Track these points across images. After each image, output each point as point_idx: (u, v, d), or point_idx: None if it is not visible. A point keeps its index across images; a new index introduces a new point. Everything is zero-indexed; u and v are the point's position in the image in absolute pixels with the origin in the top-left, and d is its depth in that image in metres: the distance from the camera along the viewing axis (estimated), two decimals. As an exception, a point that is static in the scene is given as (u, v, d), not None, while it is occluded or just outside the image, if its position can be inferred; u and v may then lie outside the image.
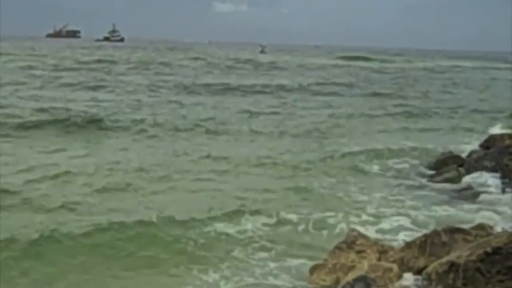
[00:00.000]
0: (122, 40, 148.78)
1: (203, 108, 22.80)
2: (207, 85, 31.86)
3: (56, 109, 20.09)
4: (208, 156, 13.39)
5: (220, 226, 8.39)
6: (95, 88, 29.07)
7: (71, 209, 9.22)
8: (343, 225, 8.76)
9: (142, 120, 18.38)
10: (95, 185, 10.56)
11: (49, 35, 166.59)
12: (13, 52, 58.35)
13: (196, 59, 62.02)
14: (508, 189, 10.89)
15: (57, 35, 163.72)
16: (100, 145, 15.07)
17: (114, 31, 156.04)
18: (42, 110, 19.67)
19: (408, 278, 6.50)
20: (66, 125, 17.00)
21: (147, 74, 39.61)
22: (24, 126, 16.59)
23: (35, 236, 7.62)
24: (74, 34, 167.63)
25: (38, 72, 36.75)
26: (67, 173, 11.31)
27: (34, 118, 17.87)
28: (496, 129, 18.73)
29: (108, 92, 27.79)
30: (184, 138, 16.24)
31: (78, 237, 7.73)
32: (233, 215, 8.98)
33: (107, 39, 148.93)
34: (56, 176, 11.03)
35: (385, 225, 8.96)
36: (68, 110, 19.85)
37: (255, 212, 9.16)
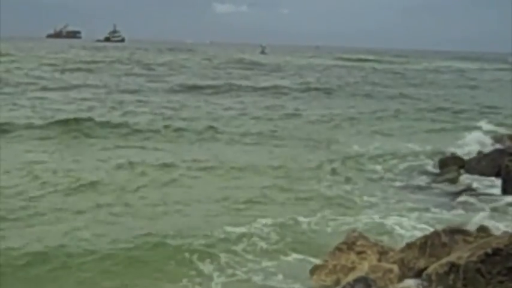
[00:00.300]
0: (122, 41, 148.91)
1: (206, 110, 22.61)
2: (210, 86, 31.84)
3: (57, 111, 20.04)
4: (211, 159, 13.22)
5: (224, 228, 8.34)
6: (98, 89, 28.97)
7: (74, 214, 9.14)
8: (343, 226, 8.75)
9: (145, 123, 18.12)
10: (96, 189, 10.49)
11: (49, 36, 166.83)
12: (13, 53, 58.35)
13: (201, 59, 62.30)
14: (508, 190, 10.88)
15: (58, 35, 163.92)
16: (101, 148, 14.75)
17: (114, 32, 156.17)
18: (44, 113, 19.51)
19: (408, 279, 6.51)
20: (67, 127, 16.74)
21: (150, 75, 39.60)
22: (26, 129, 16.39)
23: (40, 247, 7.55)
24: (74, 35, 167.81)
25: (36, 73, 36.68)
26: (62, 176, 11.20)
27: (38, 121, 17.58)
28: (484, 125, 19.02)
29: (110, 93, 27.69)
30: (187, 141, 16.02)
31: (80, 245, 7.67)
32: (237, 217, 8.97)
33: (107, 39, 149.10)
34: (48, 181, 10.87)
35: (385, 226, 8.95)
36: (67, 112, 19.74)
37: (259, 214, 9.16)
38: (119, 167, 12.19)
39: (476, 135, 16.43)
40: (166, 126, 17.68)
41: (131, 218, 9.00)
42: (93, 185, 10.67)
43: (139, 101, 24.39)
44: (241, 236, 8.11)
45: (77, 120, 17.48)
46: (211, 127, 17.85)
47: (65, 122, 17.28)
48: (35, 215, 8.95)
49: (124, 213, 9.22)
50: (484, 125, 19.18)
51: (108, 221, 8.82)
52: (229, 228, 8.32)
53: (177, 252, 7.57)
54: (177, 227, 8.54)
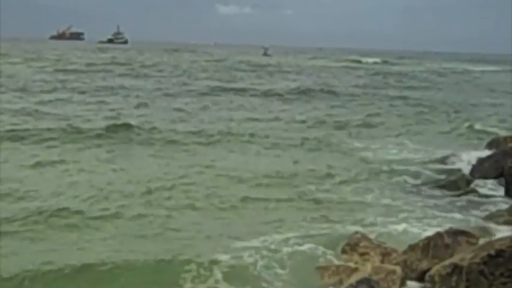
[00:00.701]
0: (125, 42, 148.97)
1: (213, 113, 22.29)
2: (214, 88, 31.85)
3: (62, 116, 19.90)
4: (216, 168, 12.85)
5: (233, 241, 8.23)
6: (102, 91, 28.95)
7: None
8: (347, 227, 8.75)
9: (150, 128, 17.61)
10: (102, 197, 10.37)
11: (53, 37, 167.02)
12: (17, 54, 58.53)
13: (207, 61, 62.54)
14: (511, 192, 10.87)
15: (61, 37, 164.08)
16: (101, 157, 14.06)
17: (118, 33, 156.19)
18: (53, 118, 19.15)
19: (411, 280, 6.53)
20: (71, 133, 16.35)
21: (157, 76, 39.62)
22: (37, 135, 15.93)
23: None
24: (77, 36, 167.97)
25: (39, 77, 36.68)
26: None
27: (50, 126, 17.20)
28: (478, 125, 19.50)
29: (115, 95, 27.69)
30: (194, 145, 15.63)
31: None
32: (247, 227, 8.92)
33: (110, 41, 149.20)
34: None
35: (388, 227, 8.96)
36: (72, 117, 19.52)
37: (267, 222, 9.16)
38: (135, 174, 11.95)
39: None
40: (172, 130, 17.43)
41: (147, 226, 8.93)
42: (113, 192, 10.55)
43: (144, 103, 24.36)
44: (252, 236, 8.17)
45: (111, 127, 17.02)
46: (220, 131, 17.57)
47: (68, 129, 16.70)
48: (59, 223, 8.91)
49: (140, 222, 9.12)
50: (497, 130, 18.90)
51: (125, 231, 8.72)
52: (239, 242, 8.18)
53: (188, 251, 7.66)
54: (184, 233, 8.58)
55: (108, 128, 17.01)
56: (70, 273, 7.06)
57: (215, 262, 7.29)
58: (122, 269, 7.18)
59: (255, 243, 8.03)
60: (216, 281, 6.93)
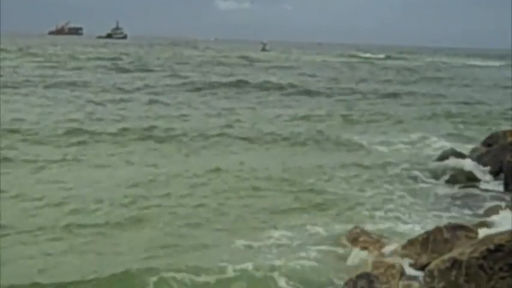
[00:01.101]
0: (124, 37, 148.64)
1: (210, 109, 22.15)
2: (214, 82, 31.88)
3: (62, 113, 19.69)
4: (215, 166, 12.44)
5: (235, 240, 8.14)
6: (98, 86, 28.88)
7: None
8: (346, 223, 8.75)
9: (151, 128, 17.06)
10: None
11: (51, 32, 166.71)
12: (16, 49, 58.43)
13: (208, 56, 62.40)
14: (510, 186, 10.87)
15: (60, 32, 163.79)
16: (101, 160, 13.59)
17: (117, 28, 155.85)
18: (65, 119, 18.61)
19: (410, 275, 6.54)
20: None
21: (157, 71, 39.53)
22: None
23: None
24: (76, 31, 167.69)
25: (39, 72, 36.62)
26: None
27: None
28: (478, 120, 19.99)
29: (113, 91, 27.63)
30: (192, 144, 15.36)
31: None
32: (252, 226, 8.87)
33: (109, 36, 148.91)
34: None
35: (387, 222, 8.97)
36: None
37: (272, 221, 9.11)
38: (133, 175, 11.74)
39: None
40: (172, 128, 17.15)
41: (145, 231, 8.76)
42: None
43: (145, 100, 24.25)
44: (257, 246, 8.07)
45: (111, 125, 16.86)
46: (221, 126, 17.46)
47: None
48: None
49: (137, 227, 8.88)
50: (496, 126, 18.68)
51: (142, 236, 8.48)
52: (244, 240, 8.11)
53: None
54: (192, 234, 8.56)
55: (108, 126, 16.92)
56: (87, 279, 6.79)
57: (223, 260, 7.21)
58: (134, 275, 6.85)
59: (256, 242, 7.97)
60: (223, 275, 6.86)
